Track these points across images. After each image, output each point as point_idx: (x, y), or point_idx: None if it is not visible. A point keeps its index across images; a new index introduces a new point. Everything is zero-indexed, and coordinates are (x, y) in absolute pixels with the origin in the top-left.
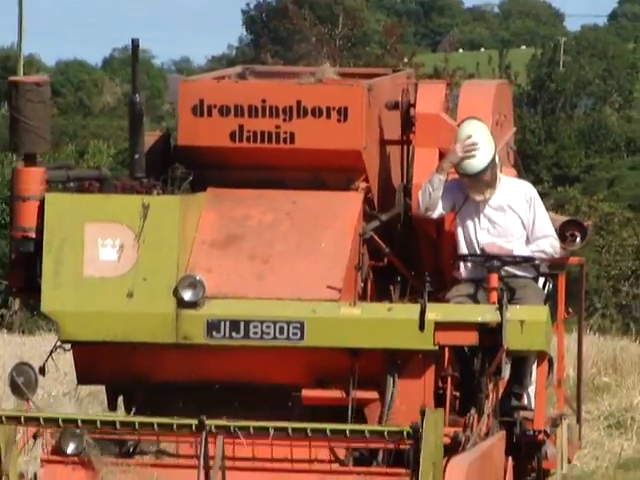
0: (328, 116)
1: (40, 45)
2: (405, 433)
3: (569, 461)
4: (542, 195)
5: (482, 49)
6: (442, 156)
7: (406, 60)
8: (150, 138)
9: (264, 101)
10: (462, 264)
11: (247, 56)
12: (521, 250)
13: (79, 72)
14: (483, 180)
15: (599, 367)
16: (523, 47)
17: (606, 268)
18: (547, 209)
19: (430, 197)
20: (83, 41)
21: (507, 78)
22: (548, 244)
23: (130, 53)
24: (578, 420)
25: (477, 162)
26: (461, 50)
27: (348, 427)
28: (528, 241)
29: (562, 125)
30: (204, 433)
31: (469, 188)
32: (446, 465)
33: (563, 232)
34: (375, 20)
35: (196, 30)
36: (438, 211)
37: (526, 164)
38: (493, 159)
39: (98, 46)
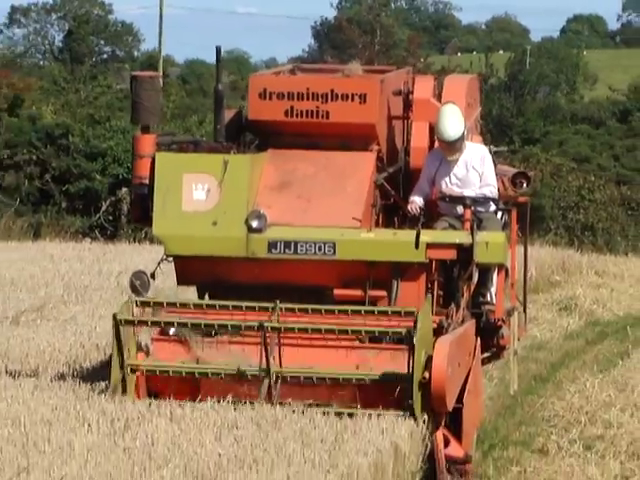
0: (352, 100)
1: (173, 48)
2: (403, 313)
3: (518, 339)
4: (513, 152)
5: (474, 53)
6: (431, 127)
7: (422, 60)
8: (229, 113)
9: (308, 89)
10: (442, 203)
11: (315, 58)
12: (479, 194)
13: (200, 67)
14: (455, 146)
15: (552, 269)
16: (501, 52)
17: (557, 201)
18: (513, 163)
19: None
20: (203, 45)
21: (491, 73)
22: (488, 190)
23: (216, 57)
24: (524, 311)
25: (452, 133)
26: (459, 54)
27: (378, 309)
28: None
29: (528, 104)
30: (276, 311)
31: (445, 150)
32: (435, 342)
33: (514, 180)
34: (402, 32)
35: (280, 39)
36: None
37: (503, 131)
38: (463, 132)
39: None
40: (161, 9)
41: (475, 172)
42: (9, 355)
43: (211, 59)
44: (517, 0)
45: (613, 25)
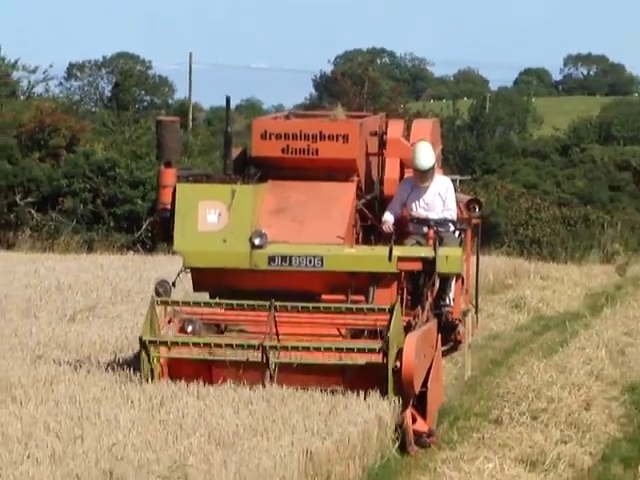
0: (337, 139)
1: (200, 96)
2: (388, 309)
3: (472, 335)
4: (475, 180)
5: (444, 100)
6: (401, 162)
7: (402, 106)
8: (236, 151)
9: (301, 131)
10: (410, 224)
11: (315, 104)
12: (441, 217)
13: (222, 112)
14: (427, 175)
15: (506, 274)
16: (466, 99)
17: (510, 219)
18: (469, 191)
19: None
20: (225, 94)
21: (457, 116)
22: (449, 214)
23: (226, 105)
24: (476, 312)
25: (426, 163)
26: (432, 101)
27: (355, 306)
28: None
29: (487, 141)
30: (272, 309)
31: (419, 178)
32: (405, 337)
33: (469, 205)
34: (385, 83)
35: (287, 89)
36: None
37: (467, 163)
38: (434, 164)
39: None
40: (190, 65)
41: (440, 198)
42: (67, 346)
43: (232, 106)
44: (479, 56)
45: (557, 77)
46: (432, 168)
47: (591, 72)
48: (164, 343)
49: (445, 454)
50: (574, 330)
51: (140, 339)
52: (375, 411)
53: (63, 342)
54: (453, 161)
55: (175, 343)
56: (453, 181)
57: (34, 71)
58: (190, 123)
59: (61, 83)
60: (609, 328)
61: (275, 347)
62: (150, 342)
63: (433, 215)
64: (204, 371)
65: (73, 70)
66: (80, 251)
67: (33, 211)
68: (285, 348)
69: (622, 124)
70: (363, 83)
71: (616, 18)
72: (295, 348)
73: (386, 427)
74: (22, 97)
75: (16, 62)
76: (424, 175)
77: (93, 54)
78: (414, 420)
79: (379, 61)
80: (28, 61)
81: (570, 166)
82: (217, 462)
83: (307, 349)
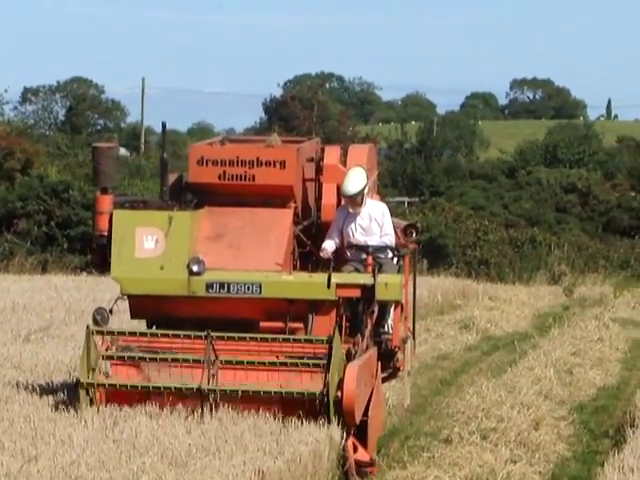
0: (274, 165)
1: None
2: (325, 340)
3: (410, 362)
4: (423, 202)
5: (392, 123)
6: (338, 188)
7: (351, 129)
8: (172, 177)
9: (238, 157)
10: (348, 251)
11: (265, 128)
12: (380, 243)
13: (174, 136)
14: (356, 200)
15: (455, 295)
16: (414, 122)
17: (458, 241)
18: (418, 212)
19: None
20: (177, 118)
21: (405, 139)
22: (387, 239)
23: (162, 131)
24: (414, 338)
25: (352, 189)
26: (380, 124)
27: (292, 337)
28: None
29: (435, 164)
30: (209, 339)
31: (348, 204)
32: (345, 366)
33: (406, 230)
34: (335, 107)
35: (238, 112)
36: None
37: (415, 185)
38: (362, 189)
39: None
40: (143, 90)
41: (376, 224)
42: (21, 366)
43: (183, 129)
44: (426, 80)
45: (503, 101)
46: (360, 193)
47: (537, 96)
48: (102, 385)
49: (395, 473)
50: (522, 350)
51: (77, 381)
52: (326, 431)
53: (17, 362)
54: (402, 183)
55: (113, 385)
56: (401, 203)
57: None
58: (142, 146)
59: (16, 107)
60: (557, 348)
61: (214, 391)
62: (88, 384)
63: (371, 240)
64: (142, 398)
65: (28, 94)
66: (34, 272)
67: None
68: (224, 392)
69: (567, 147)
70: (312, 107)
71: (561, 42)
72: (234, 392)
73: (337, 447)
74: None
75: None
76: (353, 200)
77: (47, 79)
78: (355, 449)
79: (328, 85)
80: None
81: (517, 188)
82: None
83: (247, 393)
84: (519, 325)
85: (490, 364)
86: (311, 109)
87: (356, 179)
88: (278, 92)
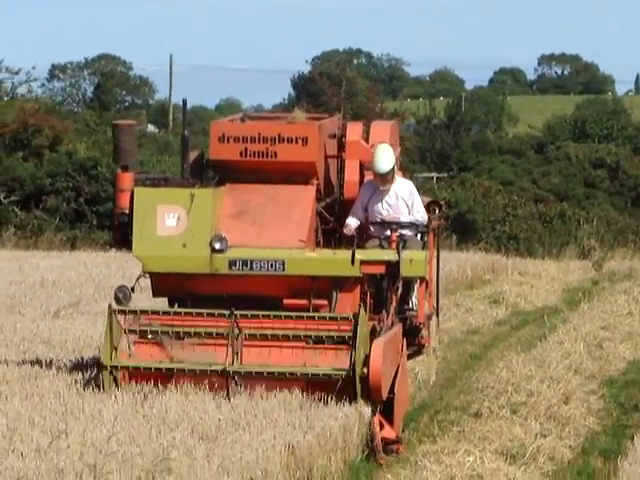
0: (296, 142)
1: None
2: (351, 317)
3: (436, 339)
4: (452, 177)
5: (420, 99)
6: (361, 164)
7: (379, 105)
8: (193, 154)
9: (259, 134)
10: (373, 227)
11: (293, 104)
12: (406, 220)
13: (202, 112)
14: (387, 177)
15: (484, 270)
16: (442, 98)
17: (488, 216)
18: (447, 188)
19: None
20: (204, 94)
21: (434, 115)
22: (420, 216)
23: (183, 108)
24: (438, 314)
25: (385, 167)
26: (408, 100)
27: (317, 314)
28: (410, 214)
29: (463, 140)
30: (232, 317)
31: (379, 181)
32: (371, 343)
33: (429, 207)
34: (363, 83)
35: (265, 89)
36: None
37: (444, 161)
38: (394, 166)
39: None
40: (171, 66)
41: (403, 202)
42: (51, 342)
43: (211, 105)
44: (454, 56)
45: (531, 76)
46: (392, 171)
47: (565, 71)
48: (125, 368)
49: (426, 447)
50: (552, 325)
51: (99, 363)
52: (356, 406)
53: (47, 338)
54: (430, 159)
55: (137, 368)
56: (429, 178)
57: (17, 73)
58: (170, 123)
59: (44, 84)
60: (587, 322)
61: (239, 373)
62: (112, 367)
63: (401, 218)
64: (166, 378)
65: (56, 71)
66: (63, 248)
67: (17, 209)
68: (249, 374)
69: (596, 122)
70: (340, 83)
71: (589, 18)
72: (259, 374)
73: (367, 421)
74: (5, 98)
75: None
76: (384, 178)
77: (75, 56)
78: (381, 427)
79: (356, 61)
80: (11, 63)
81: (546, 163)
82: (200, 456)
83: (272, 375)
84: (549, 299)
85: (520, 338)
86: (339, 85)
87: (387, 156)
88: (306, 68)
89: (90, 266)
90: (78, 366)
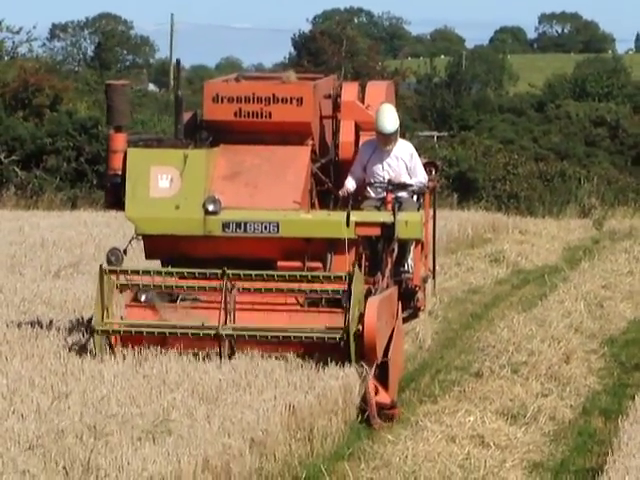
0: (291, 102)
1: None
2: (345, 277)
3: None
4: (452, 136)
5: (421, 58)
6: (356, 125)
7: (380, 64)
8: (187, 115)
9: (254, 94)
10: (369, 188)
11: (293, 63)
12: (405, 181)
13: (203, 71)
14: (390, 138)
15: (485, 229)
16: (443, 57)
17: (488, 175)
18: (447, 147)
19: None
20: (206, 53)
21: (434, 73)
22: (421, 177)
23: (176, 68)
24: (434, 277)
25: (390, 127)
26: (409, 58)
27: (311, 274)
28: (410, 178)
29: (464, 98)
30: (225, 278)
31: (381, 142)
32: (366, 301)
33: (425, 168)
34: (363, 42)
35: (266, 48)
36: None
37: (444, 120)
38: (398, 127)
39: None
40: (172, 25)
41: (403, 163)
42: (51, 302)
43: (212, 64)
44: (455, 15)
45: (532, 35)
46: (397, 131)
47: (565, 30)
48: (117, 332)
49: (427, 407)
50: (553, 284)
51: (91, 328)
52: (356, 365)
53: (47, 298)
54: (431, 117)
55: (128, 333)
56: (430, 137)
57: (18, 32)
58: (171, 82)
59: (44, 44)
60: (587, 281)
61: (231, 336)
62: (102, 331)
63: (397, 180)
64: (159, 341)
65: (56, 31)
66: (64, 208)
67: (17, 169)
68: (242, 337)
69: (596, 81)
70: (341, 42)
71: None
72: (253, 337)
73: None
74: (6, 58)
75: (0, 23)
76: (388, 138)
77: (76, 15)
78: (376, 392)
79: (356, 20)
80: (12, 22)
81: (546, 122)
82: (200, 416)
83: (265, 338)
84: (549, 258)
85: (520, 298)
86: (340, 44)
87: (391, 116)
88: (307, 27)
89: (91, 226)
90: (78, 326)
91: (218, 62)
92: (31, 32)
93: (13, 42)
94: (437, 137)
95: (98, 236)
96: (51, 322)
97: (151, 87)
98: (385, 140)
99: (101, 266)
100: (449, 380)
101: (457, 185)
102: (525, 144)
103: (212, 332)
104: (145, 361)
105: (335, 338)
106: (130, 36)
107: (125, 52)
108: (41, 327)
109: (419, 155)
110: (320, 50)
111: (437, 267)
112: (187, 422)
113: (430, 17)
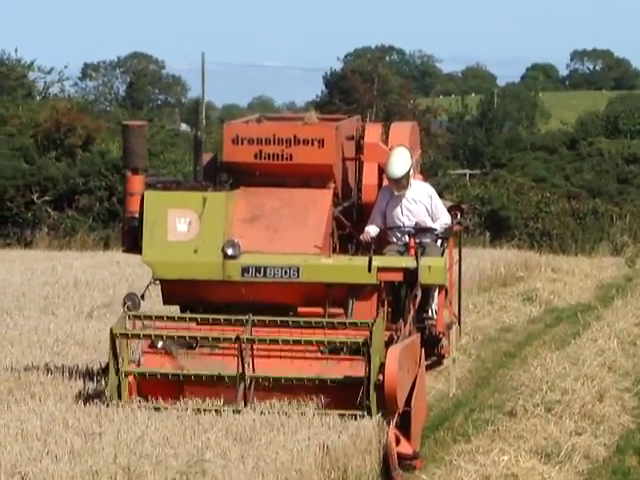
0: (312, 144)
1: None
2: (370, 324)
3: (456, 349)
4: (485, 174)
5: (452, 96)
6: (380, 167)
7: (411, 102)
8: (206, 156)
9: (274, 135)
10: (391, 232)
11: (325, 101)
12: (426, 225)
13: (235, 110)
14: (401, 182)
15: (517, 267)
16: (474, 94)
17: (520, 213)
18: (480, 185)
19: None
20: (237, 93)
21: (466, 111)
22: (444, 220)
23: (196, 109)
24: (459, 324)
25: (398, 172)
26: (441, 97)
27: (336, 320)
28: (432, 220)
29: (496, 136)
30: (249, 325)
31: (393, 186)
32: (386, 351)
33: (450, 211)
34: (395, 80)
35: (298, 86)
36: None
37: (476, 157)
38: (408, 171)
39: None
40: (203, 65)
41: (423, 206)
42: (84, 343)
43: (244, 103)
44: (486, 52)
45: (563, 72)
46: (406, 175)
47: (597, 67)
48: (136, 336)
49: (460, 447)
50: (586, 322)
51: (111, 332)
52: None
53: (81, 339)
54: (463, 155)
55: (144, 377)
56: (462, 175)
57: (50, 72)
58: (203, 121)
59: (76, 83)
60: (620, 319)
61: (254, 378)
62: (122, 334)
63: (419, 223)
64: (176, 389)
65: (88, 70)
66: (97, 248)
67: (50, 209)
68: (266, 380)
69: (628, 117)
70: (373, 80)
71: (621, 13)
72: (277, 380)
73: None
74: (38, 98)
75: (32, 63)
76: (398, 183)
77: (107, 54)
78: (398, 441)
79: (388, 58)
80: (44, 62)
81: (578, 159)
82: (234, 457)
83: (289, 381)
84: (582, 297)
85: (554, 336)
86: (371, 82)
87: (401, 160)
88: (338, 66)
89: (123, 266)
90: None
91: (250, 101)
92: (63, 72)
93: (45, 82)
94: (469, 175)
95: (131, 276)
96: (84, 363)
97: (183, 127)
98: (397, 185)
99: (124, 311)
100: (483, 419)
101: (489, 223)
102: (557, 182)
103: (231, 378)
104: (178, 401)
105: (356, 380)
106: (162, 75)
107: (157, 91)
108: (74, 368)
109: (444, 195)
110: (352, 88)
111: (470, 305)
112: (221, 462)
113: (462, 55)
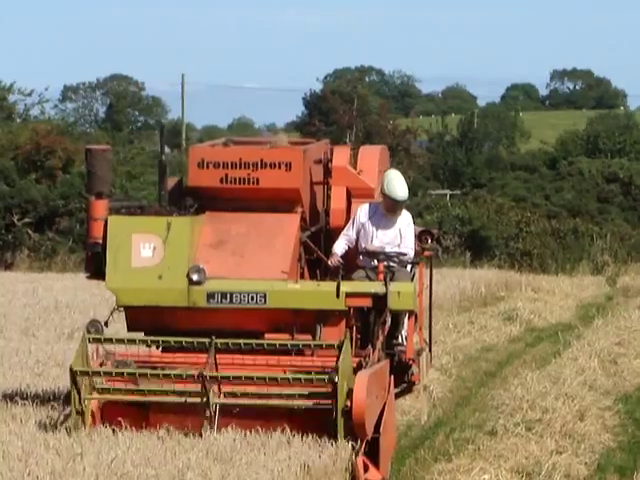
0: (279, 167)
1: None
2: (336, 346)
3: (426, 375)
4: (464, 194)
5: (432, 116)
6: (348, 191)
7: (391, 122)
8: (171, 181)
9: (240, 159)
10: (361, 256)
11: (305, 122)
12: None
13: (215, 131)
14: (401, 206)
15: (498, 287)
16: (454, 115)
17: (501, 233)
18: (460, 205)
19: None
20: (217, 114)
21: (446, 132)
22: (409, 245)
23: (160, 133)
24: (430, 350)
25: (403, 194)
26: (420, 117)
27: (301, 342)
28: (398, 247)
29: (476, 156)
30: (212, 349)
31: (390, 209)
32: (355, 376)
33: (420, 236)
34: (374, 100)
35: (278, 107)
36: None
37: (456, 178)
38: (409, 196)
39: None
40: (183, 86)
41: (398, 232)
42: (65, 364)
43: (224, 125)
44: (466, 72)
45: (543, 92)
46: (406, 200)
47: (577, 87)
48: (97, 373)
49: (441, 466)
50: (566, 341)
51: (70, 370)
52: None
53: (62, 360)
54: (443, 176)
55: (106, 390)
56: (442, 195)
57: (30, 94)
58: (184, 143)
59: (56, 105)
60: (601, 338)
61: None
62: (81, 372)
63: (389, 248)
64: (140, 416)
65: (68, 92)
66: (77, 270)
67: (30, 231)
68: (232, 397)
69: (609, 137)
70: (352, 100)
71: (601, 33)
72: (245, 395)
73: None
74: (18, 120)
75: (12, 85)
76: (399, 205)
77: (87, 76)
78: (366, 469)
79: (368, 79)
80: (24, 84)
81: (558, 179)
82: (215, 477)
83: (255, 396)
84: (563, 316)
85: (534, 355)
86: (351, 103)
87: (404, 183)
88: (318, 87)
89: (104, 288)
90: None
91: (230, 122)
92: (43, 94)
93: (25, 104)
94: (450, 195)
95: (111, 298)
96: (65, 384)
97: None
98: (395, 207)
99: (84, 333)
100: (463, 438)
101: (470, 243)
102: (537, 201)
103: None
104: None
105: (322, 405)
106: (142, 97)
107: (137, 113)
108: (55, 389)
109: (424, 215)
110: (331, 109)
111: (451, 325)
112: None
113: (441, 75)
